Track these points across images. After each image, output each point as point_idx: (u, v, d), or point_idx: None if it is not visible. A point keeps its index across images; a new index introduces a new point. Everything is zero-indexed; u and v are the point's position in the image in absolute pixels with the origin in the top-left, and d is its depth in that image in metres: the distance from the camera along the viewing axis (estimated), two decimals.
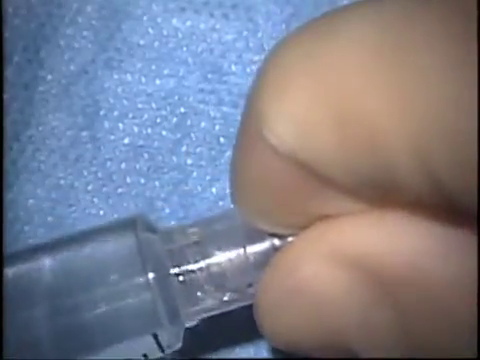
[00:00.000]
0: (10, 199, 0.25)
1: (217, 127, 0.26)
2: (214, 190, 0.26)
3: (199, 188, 0.26)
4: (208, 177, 0.26)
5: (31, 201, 0.25)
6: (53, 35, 0.26)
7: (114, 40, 0.26)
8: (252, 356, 0.25)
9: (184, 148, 0.26)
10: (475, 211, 0.14)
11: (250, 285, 0.19)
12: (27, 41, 0.26)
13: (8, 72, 0.26)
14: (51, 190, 0.25)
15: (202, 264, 0.19)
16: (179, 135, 0.26)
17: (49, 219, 0.25)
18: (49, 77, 0.26)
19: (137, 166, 0.26)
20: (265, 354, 0.25)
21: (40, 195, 0.25)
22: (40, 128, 0.26)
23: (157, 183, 0.26)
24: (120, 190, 0.25)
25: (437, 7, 0.14)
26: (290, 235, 0.18)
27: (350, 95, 0.15)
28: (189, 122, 0.26)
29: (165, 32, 0.26)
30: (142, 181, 0.26)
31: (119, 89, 0.26)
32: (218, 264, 0.19)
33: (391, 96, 0.14)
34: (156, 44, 0.26)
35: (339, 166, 0.15)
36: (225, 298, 0.19)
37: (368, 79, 0.15)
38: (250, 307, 0.19)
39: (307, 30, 0.16)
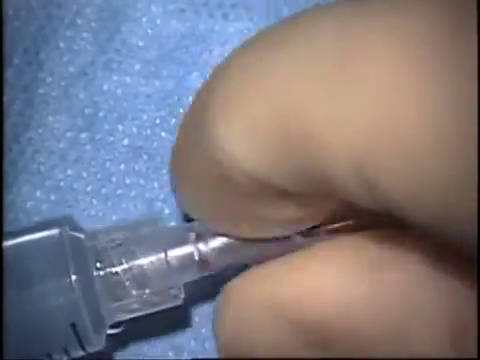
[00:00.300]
0: (9, 200, 0.25)
1: None
2: None
3: None
4: None
5: (30, 202, 0.25)
6: (53, 37, 0.26)
7: (113, 42, 0.26)
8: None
9: None
10: (420, 226, 0.14)
11: (171, 288, 0.20)
12: (27, 43, 0.26)
13: (8, 74, 0.26)
14: (50, 191, 0.25)
15: (125, 266, 0.20)
16: None
17: None
18: (49, 79, 0.26)
19: (136, 167, 0.26)
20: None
21: (39, 196, 0.25)
22: (40, 130, 0.26)
23: (156, 184, 0.25)
24: (119, 191, 0.25)
25: (372, 16, 0.14)
26: (214, 239, 0.19)
27: (293, 105, 0.15)
28: None
29: (164, 33, 0.26)
30: (141, 182, 0.25)
31: (118, 90, 0.26)
32: (140, 266, 0.20)
33: (330, 105, 0.14)
34: (155, 45, 0.26)
35: (282, 174, 0.16)
36: (147, 299, 0.20)
37: (311, 89, 0.15)
38: (173, 309, 0.20)
39: (258, 39, 0.16)
